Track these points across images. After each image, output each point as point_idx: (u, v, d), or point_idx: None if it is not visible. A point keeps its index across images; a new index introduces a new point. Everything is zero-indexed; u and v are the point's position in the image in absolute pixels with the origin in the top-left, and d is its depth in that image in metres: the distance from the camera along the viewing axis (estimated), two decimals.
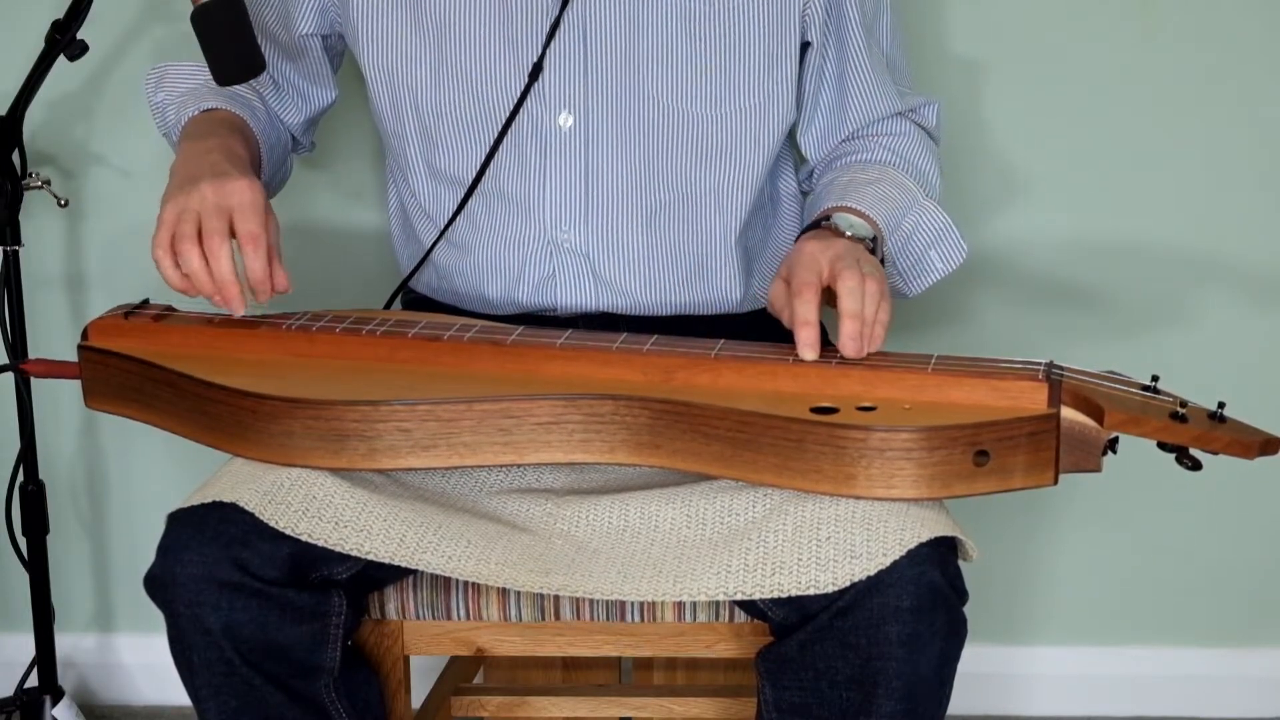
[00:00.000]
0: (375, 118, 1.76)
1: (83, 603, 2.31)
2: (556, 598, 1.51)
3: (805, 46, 1.70)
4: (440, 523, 1.43)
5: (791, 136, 1.76)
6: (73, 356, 1.57)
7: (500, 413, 1.40)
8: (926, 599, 1.34)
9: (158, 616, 1.42)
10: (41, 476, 2.03)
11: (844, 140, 1.75)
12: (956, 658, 1.39)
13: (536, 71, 1.64)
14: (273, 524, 1.38)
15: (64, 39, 1.80)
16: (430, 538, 1.41)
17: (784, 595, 1.35)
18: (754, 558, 1.37)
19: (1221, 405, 1.37)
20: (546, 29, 1.63)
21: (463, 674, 1.83)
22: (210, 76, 1.63)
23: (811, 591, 1.34)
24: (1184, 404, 1.37)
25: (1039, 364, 1.40)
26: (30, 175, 1.93)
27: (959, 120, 2.03)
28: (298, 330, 1.53)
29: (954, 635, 1.38)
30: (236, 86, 1.71)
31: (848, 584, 1.34)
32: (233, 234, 1.49)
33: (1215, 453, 1.36)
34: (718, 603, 1.51)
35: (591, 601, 1.52)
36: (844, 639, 1.35)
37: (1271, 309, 2.13)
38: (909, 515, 1.36)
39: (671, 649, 1.56)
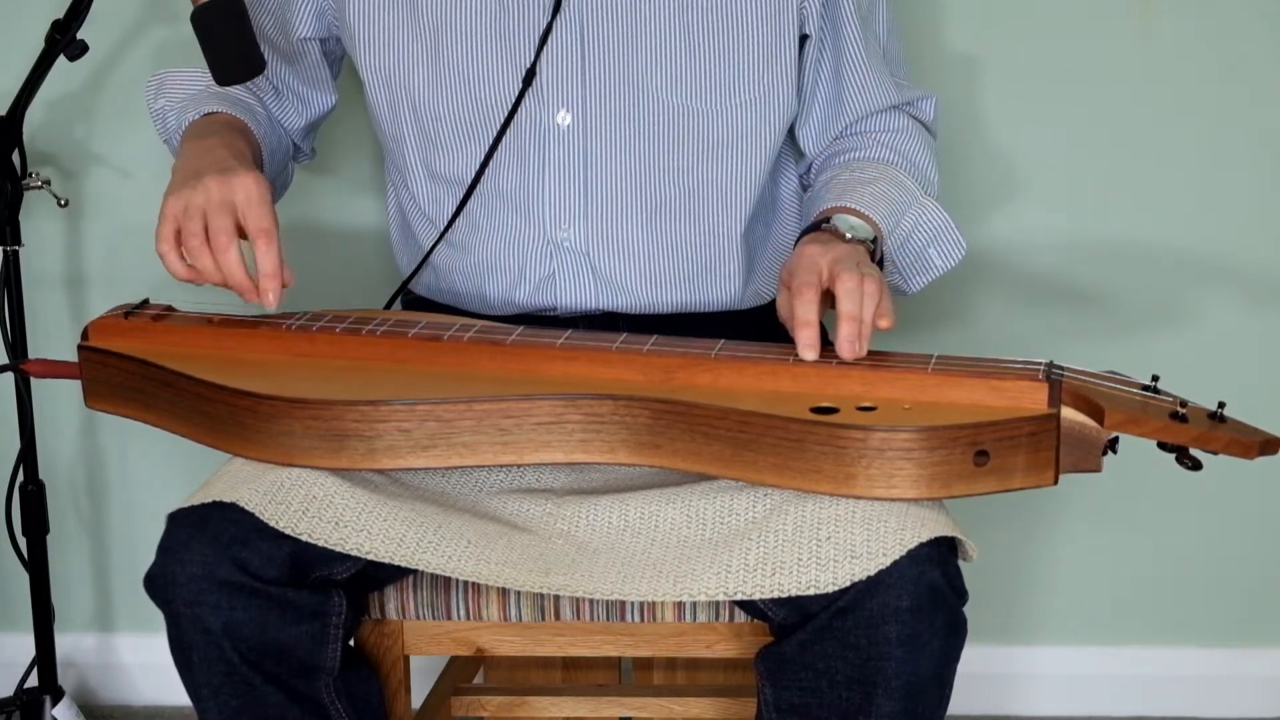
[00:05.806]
0: (373, 121, 1.75)
1: (83, 603, 2.31)
2: (556, 598, 1.51)
3: (804, 39, 1.70)
4: (440, 523, 1.43)
5: (790, 132, 1.76)
6: (73, 356, 1.57)
7: (500, 413, 1.40)
8: (926, 599, 1.34)
9: (158, 616, 1.42)
10: (41, 476, 2.03)
11: (841, 134, 1.75)
12: (956, 658, 1.39)
13: (533, 70, 1.64)
14: (273, 524, 1.38)
15: (64, 39, 1.80)
16: (430, 538, 1.41)
17: (784, 595, 1.35)
18: (754, 558, 1.37)
19: (1221, 405, 1.37)
20: (542, 27, 1.63)
21: (463, 674, 1.83)
22: (211, 82, 1.63)
23: (811, 591, 1.34)
24: (1184, 404, 1.37)
25: (1039, 364, 1.40)
26: (30, 175, 1.93)
27: (957, 117, 2.03)
28: (298, 330, 1.52)
29: (954, 635, 1.37)
30: (237, 91, 1.71)
31: (848, 584, 1.34)
32: (240, 232, 1.49)
33: (1215, 453, 1.36)
34: (718, 603, 1.51)
35: (591, 601, 1.51)
36: (844, 639, 1.35)
37: (1271, 309, 2.13)
38: (909, 515, 1.36)
39: (671, 649, 1.55)
